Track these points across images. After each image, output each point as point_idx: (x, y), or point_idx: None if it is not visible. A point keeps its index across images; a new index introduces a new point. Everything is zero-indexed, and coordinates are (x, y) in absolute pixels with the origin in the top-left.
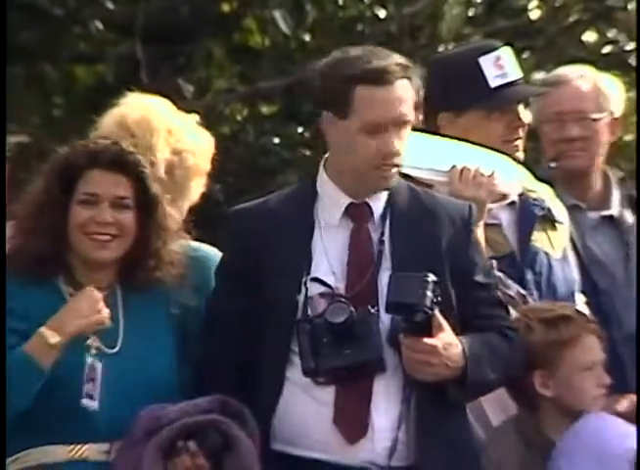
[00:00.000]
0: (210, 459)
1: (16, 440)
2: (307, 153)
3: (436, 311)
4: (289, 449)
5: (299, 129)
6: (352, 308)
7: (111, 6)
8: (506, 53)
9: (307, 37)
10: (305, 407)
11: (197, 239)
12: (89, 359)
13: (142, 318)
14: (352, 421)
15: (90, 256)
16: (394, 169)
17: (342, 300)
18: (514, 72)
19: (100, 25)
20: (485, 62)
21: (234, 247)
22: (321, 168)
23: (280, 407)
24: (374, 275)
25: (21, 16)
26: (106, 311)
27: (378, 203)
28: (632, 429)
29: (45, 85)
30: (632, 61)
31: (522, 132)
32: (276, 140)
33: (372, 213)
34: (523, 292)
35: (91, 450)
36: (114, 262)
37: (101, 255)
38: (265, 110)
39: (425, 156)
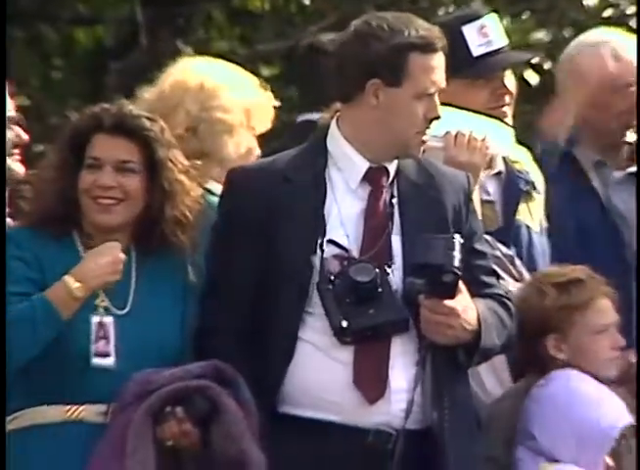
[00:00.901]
0: (198, 425)
1: (14, 399)
2: None
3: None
4: (300, 412)
5: None
6: (377, 269)
7: None
8: (491, 20)
9: (307, 1)
10: (321, 369)
11: None
12: (96, 317)
13: (155, 283)
14: (372, 381)
15: (96, 220)
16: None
17: (367, 260)
18: (498, 40)
19: None
20: (469, 30)
21: (238, 208)
22: (334, 129)
23: (291, 370)
24: (388, 238)
25: None
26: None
27: (392, 167)
28: (614, 406)
29: (44, 47)
30: (633, 24)
31: (508, 99)
32: (276, 103)
33: (388, 177)
34: (510, 252)
35: (88, 411)
36: (126, 226)
37: (105, 219)
38: (265, 72)
39: None
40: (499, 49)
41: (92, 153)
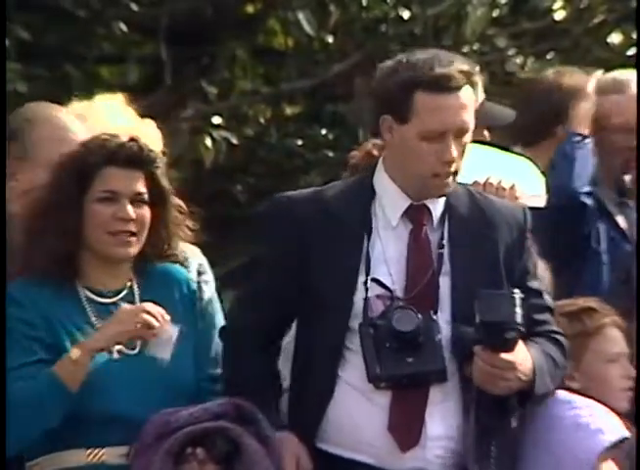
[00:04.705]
0: (220, 465)
1: (37, 445)
2: (331, 154)
3: None
4: (337, 451)
5: (323, 131)
6: (420, 316)
7: (134, 7)
8: None
9: (331, 38)
10: (359, 409)
11: (215, 239)
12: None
13: None
14: (407, 429)
15: (112, 253)
16: (452, 177)
17: (407, 305)
18: None
19: (124, 27)
20: None
21: (281, 235)
22: (380, 167)
23: (330, 408)
24: (433, 278)
25: (44, 17)
26: (145, 319)
27: (436, 205)
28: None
29: (69, 86)
30: None
31: None
32: (299, 142)
33: (431, 215)
34: (540, 288)
35: (109, 454)
36: (130, 260)
37: (123, 252)
38: (289, 111)
39: None
40: None
41: (106, 186)
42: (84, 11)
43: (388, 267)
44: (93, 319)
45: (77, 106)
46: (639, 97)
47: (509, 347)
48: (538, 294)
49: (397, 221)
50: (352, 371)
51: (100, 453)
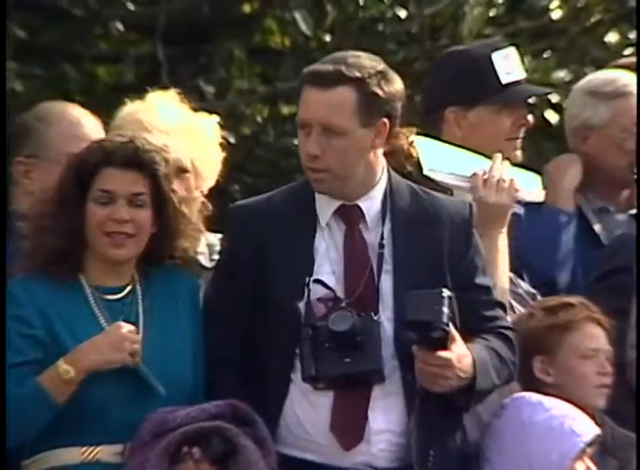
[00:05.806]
0: (216, 465)
1: (35, 442)
2: None
3: (451, 325)
4: (286, 451)
5: None
6: (356, 316)
7: (131, 7)
8: (513, 52)
9: (327, 38)
10: (304, 410)
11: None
12: None
13: (163, 317)
14: (349, 429)
15: (107, 254)
16: (321, 174)
17: (346, 307)
18: (520, 72)
19: (120, 26)
20: (497, 58)
21: (237, 244)
22: None
23: (283, 411)
24: (373, 279)
25: (41, 16)
26: (133, 348)
27: (370, 204)
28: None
29: (66, 85)
30: None
31: (522, 132)
32: (296, 141)
33: (364, 215)
34: (532, 291)
35: (104, 452)
36: (131, 260)
37: (118, 253)
38: (285, 110)
39: (446, 160)
40: (521, 80)
41: (103, 186)
42: (81, 10)
43: (331, 266)
44: (98, 315)
45: (130, 107)
46: (639, 97)
47: (437, 345)
48: (487, 289)
49: (328, 221)
50: (298, 373)
51: (95, 451)
